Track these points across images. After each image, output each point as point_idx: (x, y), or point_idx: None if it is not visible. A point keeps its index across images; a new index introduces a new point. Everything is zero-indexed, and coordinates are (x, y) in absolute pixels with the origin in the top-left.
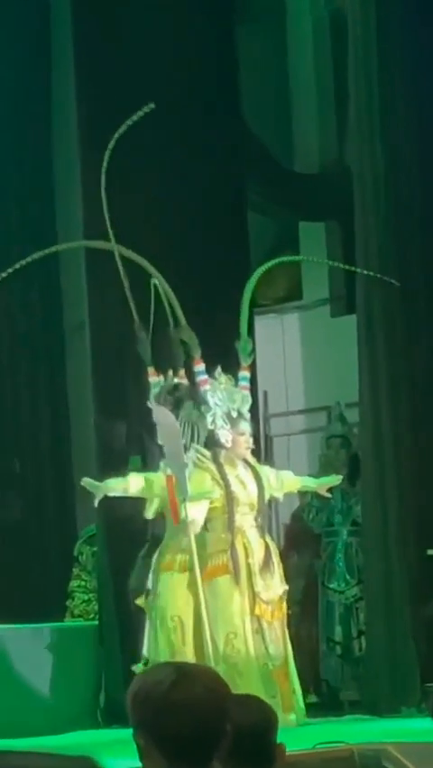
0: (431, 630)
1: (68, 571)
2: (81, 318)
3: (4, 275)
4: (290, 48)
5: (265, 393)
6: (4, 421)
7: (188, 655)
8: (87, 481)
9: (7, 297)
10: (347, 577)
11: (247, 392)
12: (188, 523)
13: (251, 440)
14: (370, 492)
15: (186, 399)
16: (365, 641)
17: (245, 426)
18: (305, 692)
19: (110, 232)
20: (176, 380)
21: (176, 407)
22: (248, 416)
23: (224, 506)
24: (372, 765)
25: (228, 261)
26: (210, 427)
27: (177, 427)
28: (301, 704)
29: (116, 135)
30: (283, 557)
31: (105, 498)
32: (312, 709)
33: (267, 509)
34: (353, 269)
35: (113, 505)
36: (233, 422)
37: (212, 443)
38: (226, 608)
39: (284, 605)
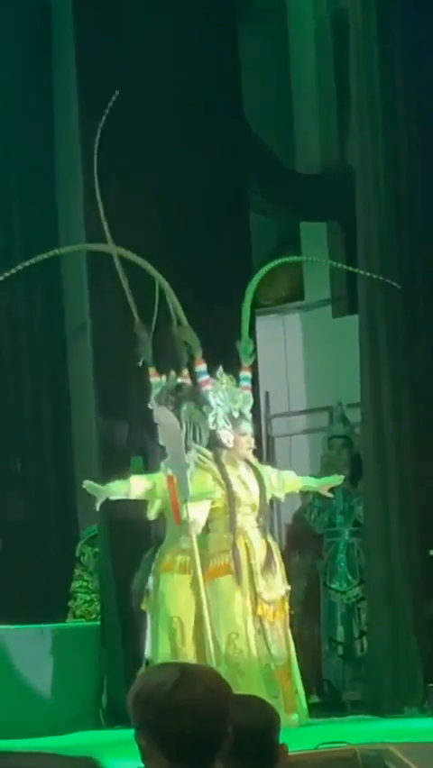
0: None
1: (69, 572)
2: (83, 319)
3: (6, 275)
4: (292, 48)
5: (267, 393)
6: (6, 421)
7: (190, 656)
8: (88, 484)
9: (9, 298)
10: (349, 577)
11: (249, 392)
12: (190, 523)
13: (252, 440)
14: (372, 492)
15: (187, 399)
16: (367, 641)
17: (247, 427)
18: (307, 692)
19: (106, 230)
20: (179, 380)
21: (177, 408)
22: (250, 416)
23: (225, 506)
24: (374, 766)
25: (230, 262)
26: (212, 428)
27: (178, 428)
28: (304, 704)
29: (99, 130)
30: (285, 557)
31: (107, 500)
32: (314, 710)
33: (269, 510)
34: (354, 270)
35: (114, 506)
36: (234, 422)
37: (214, 443)
38: (228, 608)
39: (286, 605)
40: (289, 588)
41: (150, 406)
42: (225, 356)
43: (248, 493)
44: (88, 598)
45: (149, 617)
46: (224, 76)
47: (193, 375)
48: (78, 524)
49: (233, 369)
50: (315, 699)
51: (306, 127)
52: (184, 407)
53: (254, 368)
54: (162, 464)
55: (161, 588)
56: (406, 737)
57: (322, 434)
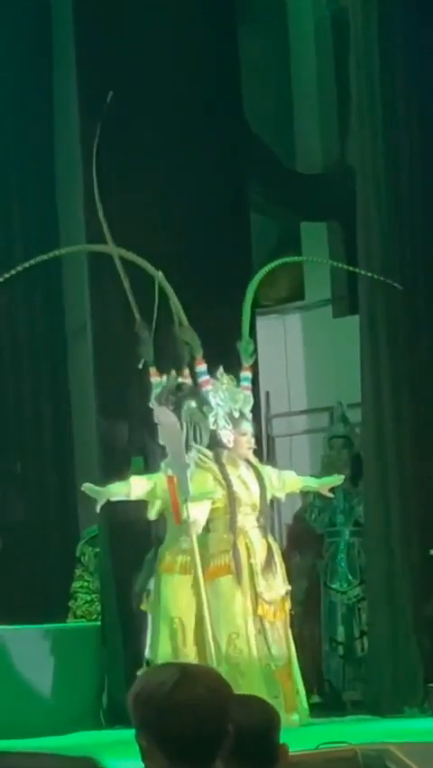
0: None
1: (70, 572)
2: (83, 320)
3: (6, 276)
4: (292, 48)
5: (267, 393)
6: (7, 422)
7: (191, 656)
8: (88, 487)
9: (9, 298)
10: (349, 577)
11: (249, 392)
12: (190, 523)
13: (253, 440)
14: (372, 492)
15: (188, 399)
16: (368, 641)
17: (247, 427)
18: (308, 692)
19: (106, 230)
20: (179, 380)
21: (177, 408)
22: (250, 416)
23: (226, 506)
24: (375, 765)
25: (230, 262)
26: (212, 428)
27: (178, 428)
28: (305, 704)
29: (97, 130)
30: (286, 557)
31: (108, 501)
32: (315, 710)
33: (269, 510)
34: (355, 270)
35: (115, 506)
36: (235, 422)
37: (214, 443)
38: (229, 608)
39: (287, 605)
40: (289, 588)
41: (150, 405)
42: (225, 356)
43: (249, 493)
44: (89, 598)
45: (149, 617)
46: (224, 76)
47: (194, 375)
48: (79, 524)
49: (233, 369)
50: (315, 699)
51: (306, 127)
52: (184, 407)
53: (255, 368)
54: (163, 464)
55: (161, 588)
56: (406, 737)
57: (322, 434)
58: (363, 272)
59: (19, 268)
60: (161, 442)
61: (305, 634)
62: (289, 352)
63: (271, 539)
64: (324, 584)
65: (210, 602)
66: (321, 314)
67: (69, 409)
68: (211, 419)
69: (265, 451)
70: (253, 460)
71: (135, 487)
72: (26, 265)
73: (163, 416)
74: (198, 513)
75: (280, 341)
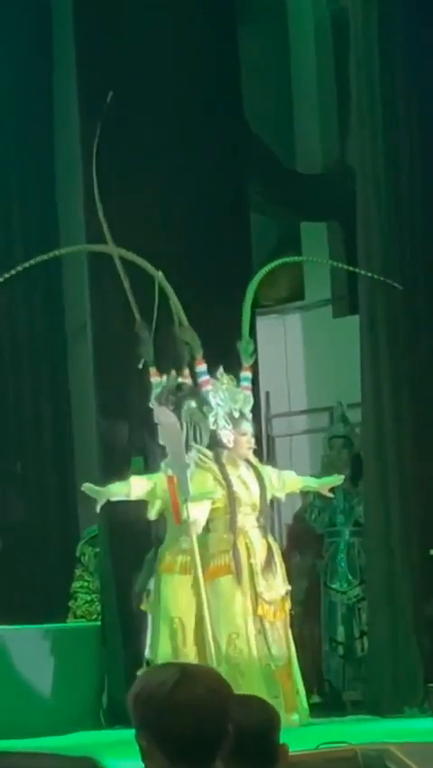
0: None
1: (70, 572)
2: (83, 320)
3: (6, 276)
4: (292, 48)
5: (267, 393)
6: (7, 422)
7: (191, 656)
8: (88, 487)
9: (9, 298)
10: (349, 577)
11: (249, 392)
12: (191, 523)
13: (253, 440)
14: (372, 492)
15: (188, 399)
16: (368, 641)
17: (247, 427)
18: (308, 693)
19: (106, 230)
20: (179, 380)
21: (177, 408)
22: (250, 416)
23: (226, 506)
24: (375, 766)
25: (230, 262)
26: (212, 428)
27: (178, 427)
28: (305, 704)
29: (97, 131)
30: (286, 557)
31: (108, 501)
32: (315, 710)
33: (269, 510)
34: (355, 270)
35: (115, 506)
36: (235, 422)
37: (214, 443)
38: (229, 608)
39: (287, 605)
40: (289, 588)
41: (150, 405)
42: (225, 356)
43: (249, 493)
44: (89, 598)
45: (150, 617)
46: (224, 76)
47: (194, 375)
48: (79, 524)
49: (233, 369)
50: (315, 699)
51: (306, 127)
52: (184, 407)
53: (255, 368)
54: (163, 464)
55: (161, 588)
56: (406, 737)
57: (322, 434)
58: (363, 272)
59: (19, 268)
60: (160, 442)
61: (305, 634)
62: (289, 352)
63: (271, 539)
64: (324, 584)
65: (210, 602)
66: (321, 314)
67: (69, 409)
68: (211, 419)
69: (265, 451)
70: (253, 460)
71: (135, 487)
72: (26, 265)
73: (163, 415)
74: (198, 513)
75: (281, 341)
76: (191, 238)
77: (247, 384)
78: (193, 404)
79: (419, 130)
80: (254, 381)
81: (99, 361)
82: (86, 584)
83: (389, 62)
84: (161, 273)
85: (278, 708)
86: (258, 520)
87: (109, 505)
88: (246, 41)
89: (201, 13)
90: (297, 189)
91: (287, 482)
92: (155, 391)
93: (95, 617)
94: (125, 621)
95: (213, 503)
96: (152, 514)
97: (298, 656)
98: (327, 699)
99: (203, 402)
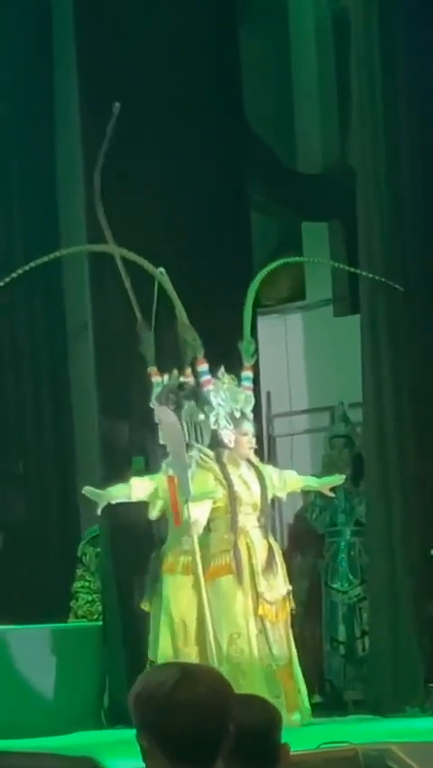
0: None
1: (71, 572)
2: (84, 320)
3: (7, 280)
4: (293, 47)
5: (268, 393)
6: (8, 422)
7: (192, 656)
8: (88, 490)
9: (10, 298)
10: (350, 577)
11: (250, 392)
12: (191, 523)
13: (254, 440)
14: (373, 492)
15: (189, 399)
16: (369, 641)
17: (248, 427)
18: (309, 692)
19: (106, 230)
20: (181, 379)
21: (178, 407)
22: (251, 416)
23: (227, 506)
24: (376, 765)
25: (231, 261)
26: (213, 427)
27: (179, 427)
28: (307, 704)
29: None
30: (287, 557)
31: (108, 502)
32: (316, 709)
33: (270, 509)
34: (356, 271)
35: (116, 506)
36: (236, 422)
37: (215, 443)
38: (230, 608)
39: (288, 605)
40: (290, 588)
41: (151, 405)
42: (226, 356)
43: (249, 493)
44: (90, 598)
45: (152, 617)
46: (224, 76)
47: (195, 374)
48: (80, 524)
49: (234, 369)
50: (317, 698)
51: (307, 127)
52: (185, 407)
53: (256, 368)
54: (164, 464)
55: (163, 589)
56: (407, 737)
57: (323, 433)
58: (364, 274)
59: (20, 271)
60: (161, 441)
61: (306, 633)
62: (290, 351)
63: (271, 539)
64: (325, 584)
65: (211, 602)
66: (322, 313)
67: (70, 409)
68: (212, 419)
69: (266, 450)
70: (254, 459)
71: (136, 489)
72: (26, 268)
73: (164, 415)
74: (198, 513)
75: (282, 340)
76: (192, 238)
77: (248, 384)
78: (194, 404)
79: (419, 129)
80: (255, 381)
81: (100, 360)
82: (87, 584)
83: (390, 62)
84: (162, 269)
85: (279, 707)
86: (259, 520)
87: (110, 505)
88: (247, 40)
89: (201, 13)
90: (297, 189)
91: (288, 482)
92: (156, 391)
93: (96, 616)
94: (126, 621)
95: (214, 503)
96: (153, 514)
97: (299, 656)
98: (329, 699)
99: (204, 402)
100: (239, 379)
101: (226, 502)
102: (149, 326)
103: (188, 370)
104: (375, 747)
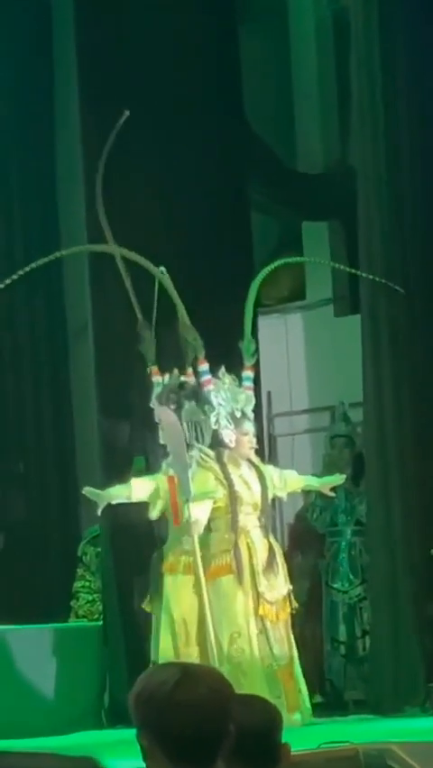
0: None
1: (72, 572)
2: (84, 320)
3: (7, 281)
4: (293, 47)
5: (269, 393)
6: (8, 422)
7: (193, 656)
8: (89, 491)
9: (10, 298)
10: (351, 577)
11: (251, 392)
12: (192, 523)
13: (254, 440)
14: (374, 492)
15: (189, 399)
16: (369, 640)
17: (249, 426)
18: (310, 692)
19: (107, 230)
20: (182, 379)
21: (179, 407)
22: (252, 416)
23: (227, 505)
24: (376, 765)
25: (231, 261)
26: (214, 427)
27: (179, 427)
28: (308, 704)
29: (106, 148)
30: (287, 557)
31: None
32: (317, 709)
33: (271, 509)
34: (356, 272)
35: (116, 506)
36: (236, 422)
37: (216, 443)
38: (230, 608)
39: (288, 605)
40: (291, 587)
41: (151, 405)
42: (227, 356)
43: (250, 492)
44: (91, 598)
45: (153, 617)
46: (224, 76)
47: (196, 374)
48: (80, 523)
49: (235, 368)
50: (317, 698)
51: (307, 127)
52: (186, 407)
53: (256, 367)
54: (164, 464)
55: (164, 589)
56: (408, 737)
57: (324, 433)
58: (363, 275)
59: (20, 272)
60: (162, 441)
61: (307, 633)
62: (290, 351)
63: (272, 539)
64: (325, 584)
65: (212, 602)
66: (323, 313)
67: (70, 409)
68: (213, 419)
69: (267, 450)
70: (255, 459)
71: (136, 489)
72: (27, 269)
73: (164, 415)
74: (199, 512)
75: (282, 340)
76: (192, 238)
77: (249, 384)
78: (195, 403)
79: (419, 129)
80: (256, 381)
81: (101, 360)
82: (87, 584)
83: (390, 62)
84: (163, 268)
85: (280, 707)
86: (259, 520)
87: (110, 506)
88: (247, 40)
89: (201, 13)
90: (298, 189)
91: (288, 481)
92: (156, 391)
93: (96, 616)
94: (127, 621)
95: (214, 502)
96: (154, 514)
97: (299, 656)
98: (329, 699)
99: (205, 402)
100: (240, 379)
101: (227, 502)
102: (149, 326)
103: (189, 370)
104: (376, 747)
